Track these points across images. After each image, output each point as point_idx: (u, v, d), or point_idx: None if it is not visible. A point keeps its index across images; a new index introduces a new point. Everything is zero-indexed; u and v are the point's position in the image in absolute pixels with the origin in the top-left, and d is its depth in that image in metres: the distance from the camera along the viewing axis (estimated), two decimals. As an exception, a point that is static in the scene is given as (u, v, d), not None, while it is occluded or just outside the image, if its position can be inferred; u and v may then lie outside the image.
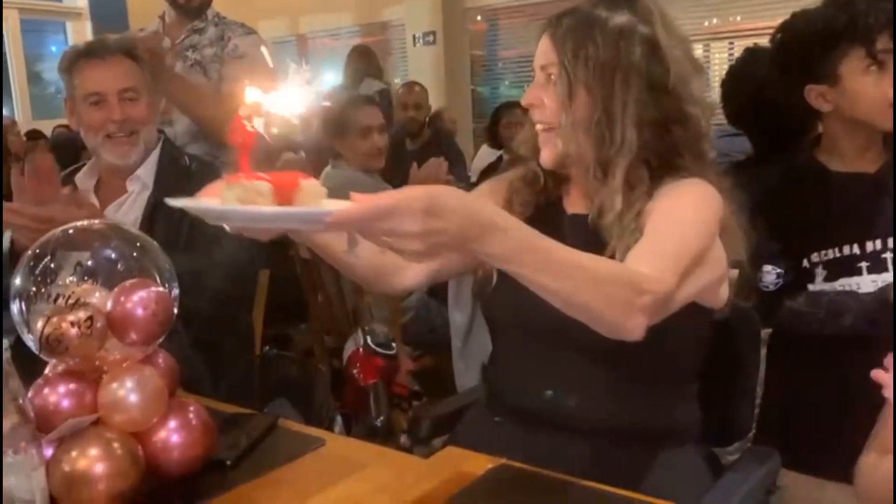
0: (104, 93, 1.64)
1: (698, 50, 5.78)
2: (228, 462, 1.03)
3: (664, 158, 1.14)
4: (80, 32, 7.72)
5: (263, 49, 2.36)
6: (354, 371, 1.29)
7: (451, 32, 6.42)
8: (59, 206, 1.41)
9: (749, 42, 5.54)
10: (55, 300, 0.92)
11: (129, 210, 1.65)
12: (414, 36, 6.55)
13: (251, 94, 0.85)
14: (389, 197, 0.80)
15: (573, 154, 1.16)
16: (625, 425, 1.18)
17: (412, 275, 1.24)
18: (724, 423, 1.37)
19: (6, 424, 0.88)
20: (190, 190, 1.62)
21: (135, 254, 1.00)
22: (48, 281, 0.93)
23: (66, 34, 7.85)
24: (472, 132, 6.63)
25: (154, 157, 1.72)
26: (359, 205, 0.79)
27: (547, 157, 1.19)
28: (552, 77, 1.15)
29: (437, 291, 2.78)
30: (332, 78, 7.37)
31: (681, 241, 1.05)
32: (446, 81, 6.43)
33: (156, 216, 1.64)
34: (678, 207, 1.09)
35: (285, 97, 0.88)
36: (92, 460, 0.90)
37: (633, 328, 0.94)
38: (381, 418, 1.20)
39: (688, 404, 1.25)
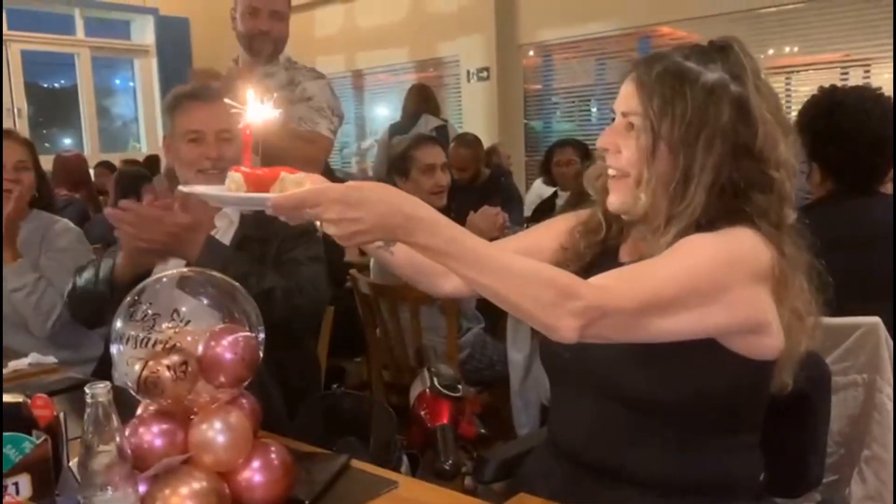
0: (203, 131, 1.75)
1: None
2: (307, 502, 1.07)
3: (716, 225, 1.09)
4: (147, 69, 8.03)
5: (329, 91, 2.47)
6: (422, 412, 1.32)
7: (504, 68, 6.49)
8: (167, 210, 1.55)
9: (805, 76, 5.49)
10: (153, 345, 0.98)
11: None
12: (468, 72, 6.64)
13: (248, 99, 1.02)
14: (313, 188, 0.96)
15: (644, 206, 1.14)
16: (679, 477, 1.17)
17: (454, 281, 1.25)
18: (792, 473, 1.35)
19: (105, 461, 0.94)
20: (271, 225, 1.73)
21: (225, 300, 1.06)
22: (147, 326, 0.99)
23: (133, 70, 8.18)
24: (525, 166, 6.67)
25: None
26: (290, 193, 0.96)
27: (616, 202, 1.18)
28: (633, 126, 1.13)
29: (493, 328, 2.80)
30: (385, 112, 7.53)
31: (667, 270, 1.04)
32: (500, 116, 6.50)
33: (243, 248, 1.72)
34: (690, 245, 1.07)
35: (269, 111, 1.04)
36: (183, 498, 0.95)
37: (563, 330, 0.95)
38: (450, 461, 1.22)
39: (745, 456, 1.22)
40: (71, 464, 1.02)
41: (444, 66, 7.08)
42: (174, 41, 7.51)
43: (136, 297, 1.02)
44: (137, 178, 4.53)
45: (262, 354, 1.05)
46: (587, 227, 1.29)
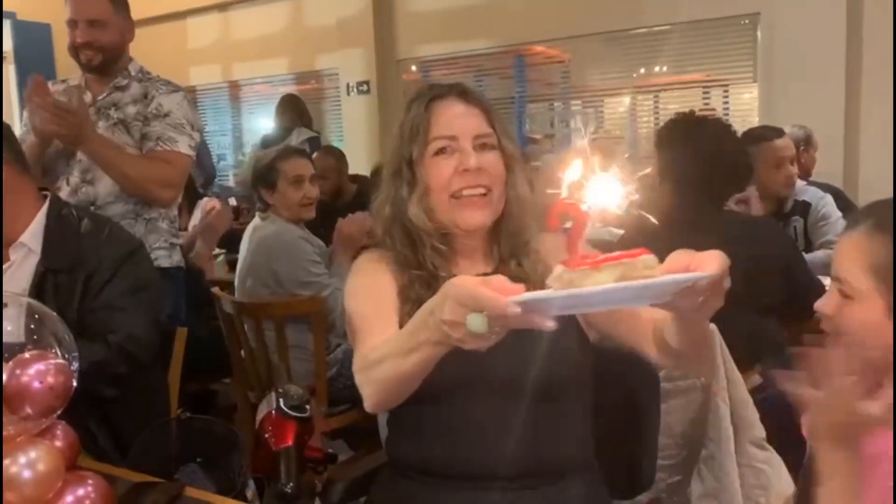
0: None
1: (626, 101, 5.99)
2: (128, 536, 1.01)
3: None
4: (5, 76, 7.51)
5: (187, 104, 2.35)
6: (266, 435, 1.28)
7: (384, 82, 6.50)
8: None
9: (671, 95, 5.76)
10: (-55, 376, 0.90)
11: (12, 279, 1.52)
12: (348, 85, 6.60)
13: (573, 174, 0.83)
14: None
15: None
16: (525, 463, 1.22)
17: None
18: (626, 475, 1.41)
19: None
20: (82, 249, 1.57)
21: (32, 325, 0.99)
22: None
23: (-12, 77, 7.63)
24: (406, 180, 6.67)
25: (39, 220, 1.61)
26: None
27: (486, 219, 1.28)
28: (491, 145, 1.29)
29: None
30: (266, 123, 7.37)
31: None
32: (380, 130, 6.49)
33: (45, 284, 1.54)
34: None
35: (604, 183, 0.85)
36: (-20, 541, 0.88)
37: None
38: (291, 484, 1.19)
39: (585, 436, 1.31)
40: None
41: (324, 79, 7.01)
42: (35, 48, 7.06)
43: (-72, 325, 0.94)
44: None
45: (76, 382, 0.99)
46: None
